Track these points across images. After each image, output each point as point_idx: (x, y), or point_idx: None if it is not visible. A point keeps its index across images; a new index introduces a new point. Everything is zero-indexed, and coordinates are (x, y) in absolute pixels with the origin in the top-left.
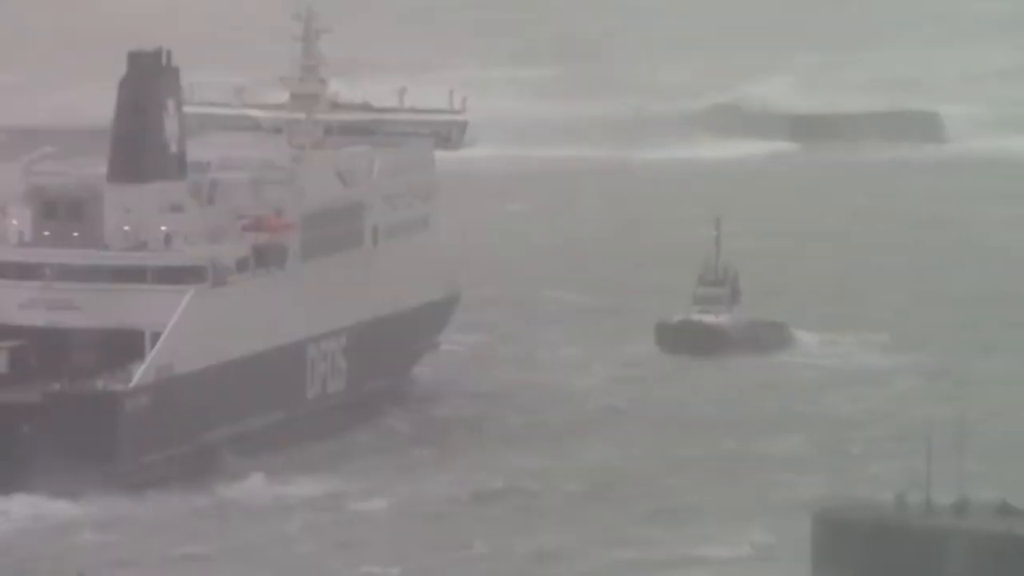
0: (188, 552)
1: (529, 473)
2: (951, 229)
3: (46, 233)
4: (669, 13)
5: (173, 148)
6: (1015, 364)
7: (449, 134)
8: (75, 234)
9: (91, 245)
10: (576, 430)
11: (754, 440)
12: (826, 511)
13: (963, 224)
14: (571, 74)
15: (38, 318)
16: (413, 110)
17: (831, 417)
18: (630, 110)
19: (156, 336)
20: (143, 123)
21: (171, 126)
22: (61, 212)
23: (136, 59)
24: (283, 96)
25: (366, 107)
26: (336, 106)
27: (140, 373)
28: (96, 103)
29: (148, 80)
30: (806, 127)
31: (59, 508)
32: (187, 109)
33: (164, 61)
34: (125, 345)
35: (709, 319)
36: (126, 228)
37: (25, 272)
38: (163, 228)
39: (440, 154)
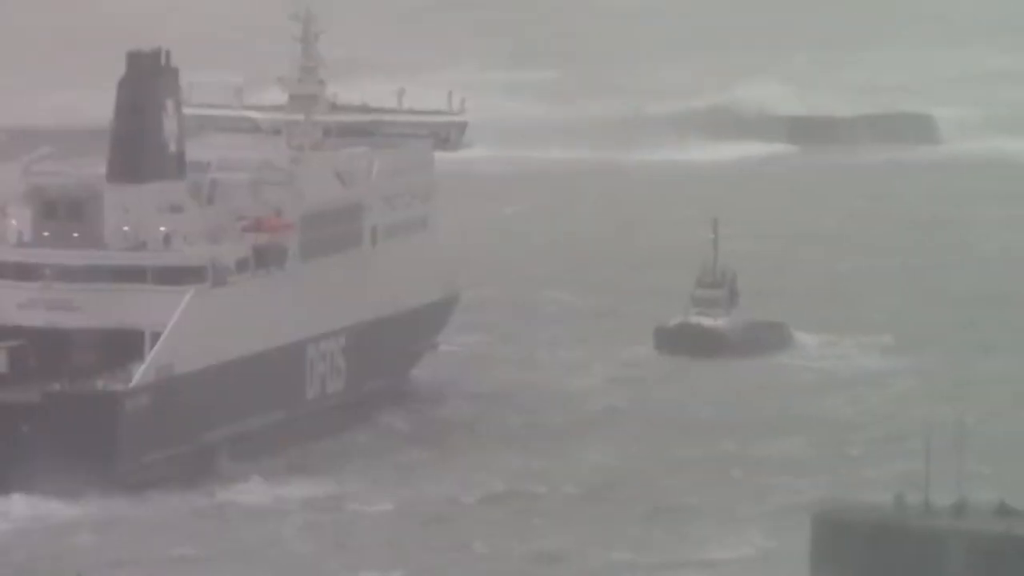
0: (187, 553)
1: (528, 474)
2: (948, 230)
3: (46, 233)
4: (667, 14)
5: (172, 148)
6: (1014, 365)
7: (448, 135)
8: (75, 234)
9: (91, 245)
10: (575, 431)
11: (753, 442)
12: (825, 512)
13: (960, 225)
14: (569, 76)
15: (38, 318)
16: (412, 111)
17: (830, 418)
18: (628, 111)
19: (156, 336)
20: (142, 123)
21: (170, 126)
22: (61, 212)
23: (135, 59)
24: (281, 96)
25: (365, 108)
26: (335, 107)
27: (140, 373)
28: (95, 103)
29: (147, 80)
30: (801, 129)
31: (58, 508)
32: (186, 110)
33: (163, 61)
34: (125, 345)
35: (707, 322)
36: (126, 228)
37: (25, 272)
38: (162, 228)
39: (439, 155)
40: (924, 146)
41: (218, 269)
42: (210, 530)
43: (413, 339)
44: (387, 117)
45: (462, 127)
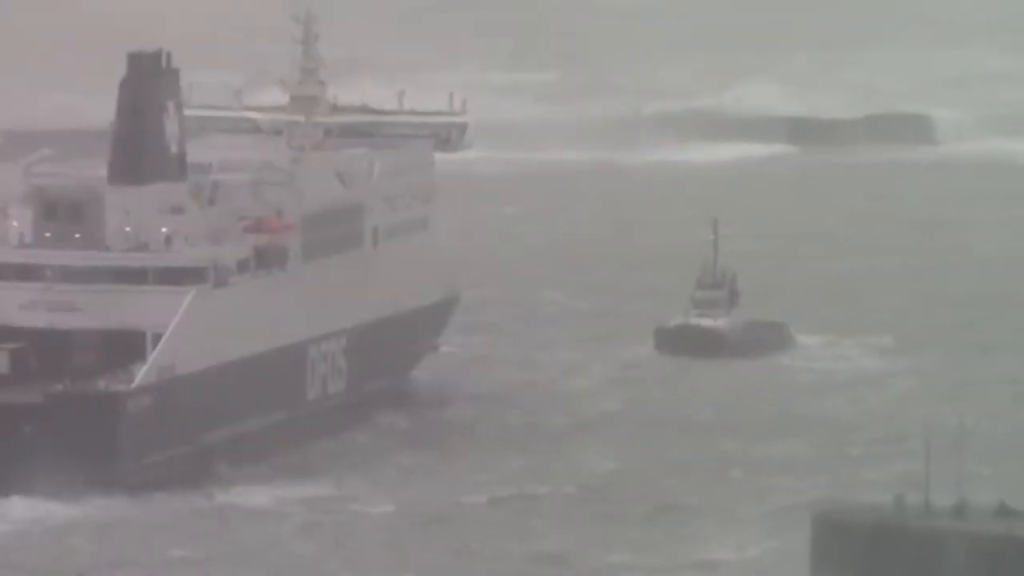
0: (187, 554)
1: (529, 475)
2: (948, 231)
3: (47, 234)
4: (667, 14)
5: (173, 149)
6: (1014, 365)
7: (448, 136)
8: (76, 235)
9: (92, 246)
10: (575, 432)
11: (753, 442)
12: (825, 513)
13: (959, 225)
14: (569, 76)
15: (39, 319)
16: (412, 112)
17: (830, 419)
18: (627, 112)
19: (157, 337)
20: (143, 124)
21: (171, 127)
22: (62, 213)
23: (136, 60)
24: (282, 97)
25: (365, 109)
26: (335, 109)
27: (142, 374)
28: (95, 105)
29: (148, 82)
30: (801, 130)
31: (58, 509)
32: (187, 111)
33: (164, 63)
34: (126, 346)
35: (707, 323)
36: (127, 229)
37: (26, 273)
38: (164, 229)
39: (439, 156)
40: (922, 147)
41: (219, 270)
42: (210, 531)
43: (414, 340)
44: (387, 118)
45: (462, 128)
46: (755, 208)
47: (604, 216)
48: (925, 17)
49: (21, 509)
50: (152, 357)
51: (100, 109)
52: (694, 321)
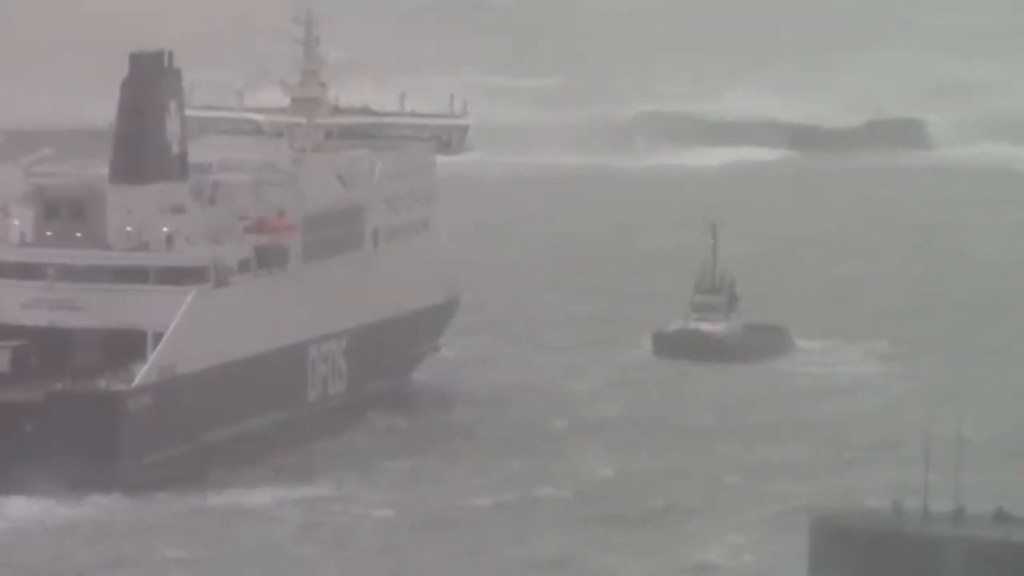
0: (186, 555)
1: (528, 478)
2: (945, 235)
3: (48, 233)
4: (665, 15)
5: (175, 149)
6: (1013, 371)
7: (449, 138)
8: (77, 234)
9: (93, 245)
10: (574, 435)
11: (752, 447)
12: (823, 518)
13: (957, 230)
14: (568, 80)
15: (40, 318)
16: (413, 114)
17: (829, 423)
18: (626, 116)
19: (158, 336)
20: (145, 124)
21: (173, 127)
22: (63, 212)
23: (138, 60)
24: (283, 98)
25: (366, 111)
26: (337, 110)
27: (142, 373)
28: (95, 105)
29: (150, 81)
30: (800, 137)
31: (58, 509)
32: (188, 112)
33: (166, 62)
34: (127, 345)
35: (706, 327)
36: (128, 229)
37: (27, 272)
38: (165, 229)
39: (439, 158)
40: (917, 151)
41: (220, 270)
42: (209, 532)
43: (414, 341)
44: (389, 120)
45: (463, 130)
46: (754, 212)
47: (603, 219)
48: (920, 22)
49: (20, 508)
50: (153, 356)
51: (100, 109)
52: (693, 325)
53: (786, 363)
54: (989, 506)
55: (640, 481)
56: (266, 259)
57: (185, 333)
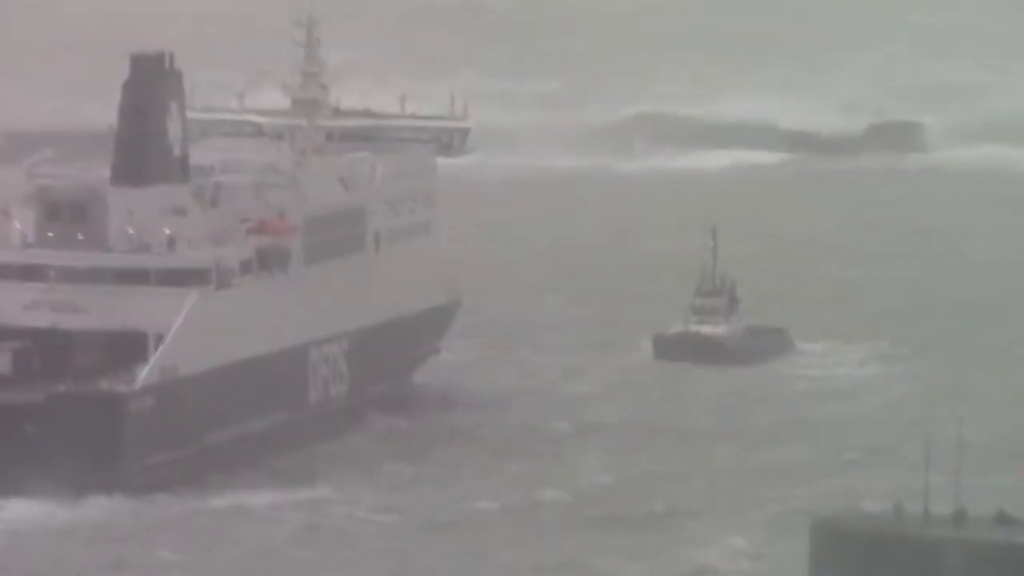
0: (184, 558)
1: (528, 482)
2: (945, 237)
3: (50, 235)
4: (667, 14)
5: (176, 151)
6: (1013, 372)
7: (450, 141)
8: (79, 236)
9: (95, 247)
10: (574, 438)
11: (752, 449)
12: (824, 521)
13: (956, 232)
14: (568, 83)
15: (42, 319)
16: (414, 116)
17: (829, 426)
18: (626, 119)
19: (160, 338)
20: (146, 126)
21: (174, 129)
22: (65, 214)
23: (139, 62)
24: (284, 100)
25: (367, 113)
26: (338, 112)
27: (144, 375)
28: (96, 107)
29: (151, 83)
30: (801, 143)
31: (58, 511)
32: (189, 114)
33: (167, 64)
34: (129, 347)
35: (707, 330)
36: (130, 230)
37: (29, 273)
38: (167, 231)
39: (440, 161)
40: (915, 154)
41: (222, 271)
42: (209, 534)
43: (416, 343)
44: (390, 122)
45: (464, 132)
46: (753, 215)
47: (603, 222)
48: (917, 23)
49: (20, 511)
50: (154, 358)
51: (101, 111)
52: (693, 328)
53: (787, 365)
54: (990, 508)
55: (641, 484)
56: (268, 261)
57: (187, 335)
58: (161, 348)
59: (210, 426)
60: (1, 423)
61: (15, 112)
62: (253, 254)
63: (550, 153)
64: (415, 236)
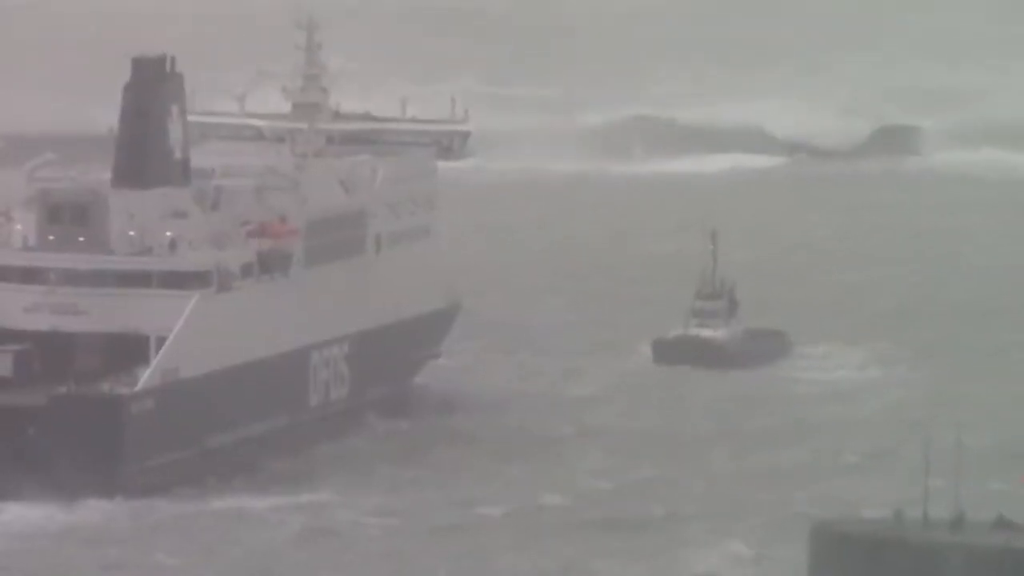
0: (184, 560)
1: (527, 485)
2: (942, 240)
3: (51, 237)
4: (667, 15)
5: (177, 154)
6: (1011, 376)
7: (451, 144)
8: (80, 238)
9: (96, 250)
10: (574, 441)
11: (751, 452)
12: (824, 525)
13: (954, 235)
14: (566, 86)
15: (43, 322)
16: (415, 120)
17: (829, 428)
18: (625, 122)
19: (161, 340)
20: (147, 128)
21: (175, 132)
22: (66, 217)
23: (140, 65)
24: (284, 103)
25: (368, 117)
26: (338, 116)
27: (145, 377)
28: (97, 110)
29: (152, 86)
30: (793, 150)
31: (58, 514)
32: (189, 118)
33: (168, 67)
34: (130, 349)
35: (706, 333)
36: (131, 233)
37: (30, 276)
38: (168, 233)
39: (440, 164)
40: (913, 157)
41: (223, 274)
42: (209, 536)
43: (416, 347)
44: (390, 126)
45: (465, 136)
46: (752, 218)
47: (603, 225)
48: (916, 26)
49: (20, 513)
50: (155, 360)
51: (102, 114)
52: (693, 331)
53: (786, 368)
54: (989, 513)
55: (640, 487)
56: (269, 264)
57: (188, 337)
58: (162, 351)
59: (211, 429)
60: (2, 426)
61: (16, 115)
62: (254, 257)
63: (549, 156)
64: (415, 239)
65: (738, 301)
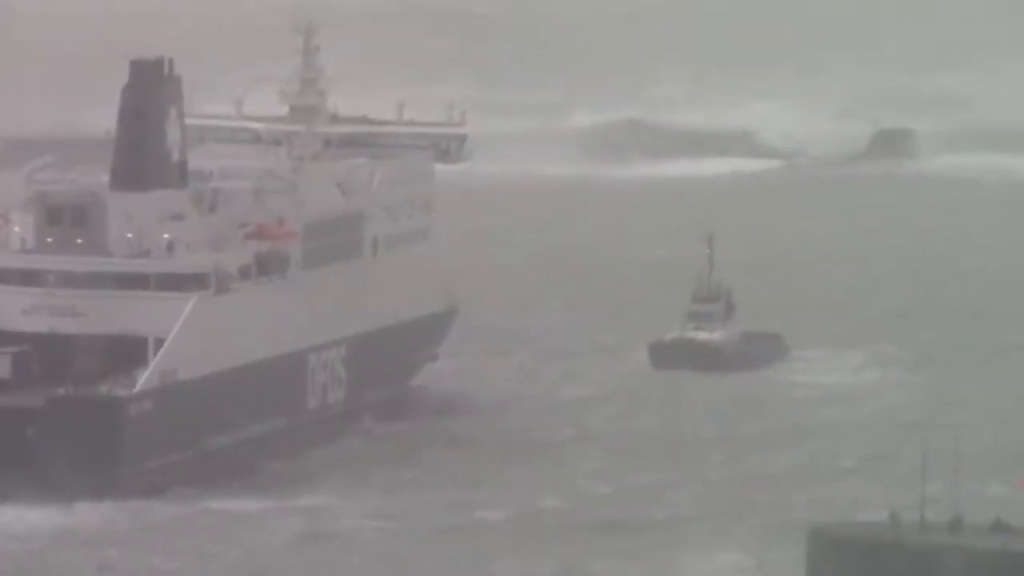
0: (179, 563)
1: (526, 488)
2: (939, 243)
3: (49, 239)
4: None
5: (175, 156)
6: (1009, 379)
7: (448, 147)
8: (78, 240)
9: (94, 252)
10: (571, 444)
11: (748, 455)
12: (821, 528)
13: (950, 238)
14: (563, 90)
15: (41, 324)
16: (412, 123)
17: (826, 432)
18: (623, 125)
19: (159, 342)
20: (145, 131)
21: (173, 134)
22: (64, 219)
23: (138, 67)
24: (281, 106)
25: (365, 120)
26: (335, 119)
27: (143, 379)
28: (94, 112)
29: (150, 88)
30: (788, 155)
31: (53, 516)
32: (187, 120)
33: (166, 69)
34: (128, 351)
35: (703, 336)
36: (129, 235)
37: (28, 278)
38: (166, 236)
39: (437, 167)
40: (909, 161)
41: (221, 276)
42: (205, 538)
43: (414, 349)
44: (387, 129)
45: (462, 139)
46: (749, 221)
47: (600, 228)
48: (906, 34)
49: (16, 515)
50: (154, 362)
51: (100, 117)
52: (690, 334)
53: (783, 371)
54: (987, 516)
55: (638, 490)
56: (266, 266)
57: (186, 339)
58: (160, 352)
59: (209, 430)
60: (1, 427)
61: (14, 118)
62: (252, 259)
63: (546, 159)
64: (413, 242)
65: (735, 304)
